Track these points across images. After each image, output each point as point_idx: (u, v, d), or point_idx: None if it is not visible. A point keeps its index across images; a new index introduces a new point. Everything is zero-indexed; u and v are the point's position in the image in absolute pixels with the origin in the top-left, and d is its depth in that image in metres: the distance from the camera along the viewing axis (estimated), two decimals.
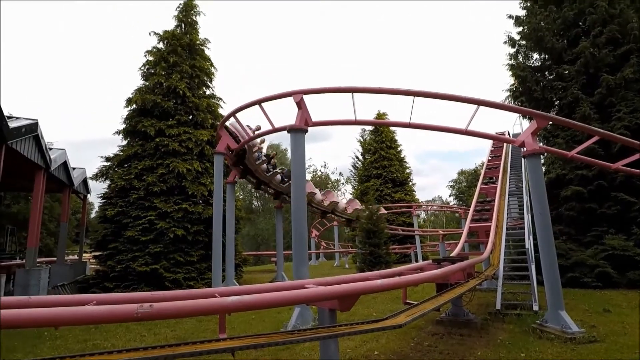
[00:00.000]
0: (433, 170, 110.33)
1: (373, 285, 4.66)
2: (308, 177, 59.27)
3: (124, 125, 16.28)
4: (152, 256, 14.10)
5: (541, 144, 17.04)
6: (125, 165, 15.65)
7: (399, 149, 34.70)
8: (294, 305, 8.28)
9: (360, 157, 37.44)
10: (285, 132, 9.08)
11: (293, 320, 8.11)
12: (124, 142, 16.39)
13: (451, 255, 11.20)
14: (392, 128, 33.98)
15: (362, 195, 30.27)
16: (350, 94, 8.95)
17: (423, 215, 69.95)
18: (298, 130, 8.80)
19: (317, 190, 20.17)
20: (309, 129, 9.18)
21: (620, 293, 11.36)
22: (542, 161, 18.94)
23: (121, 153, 15.81)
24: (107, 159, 16.11)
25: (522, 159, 9.95)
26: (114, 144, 16.95)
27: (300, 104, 8.93)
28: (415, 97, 8.58)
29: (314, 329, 4.36)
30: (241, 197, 53.60)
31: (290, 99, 9.03)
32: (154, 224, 14.41)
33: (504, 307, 9.18)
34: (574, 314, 8.38)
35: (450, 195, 66.48)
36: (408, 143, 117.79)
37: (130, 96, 16.08)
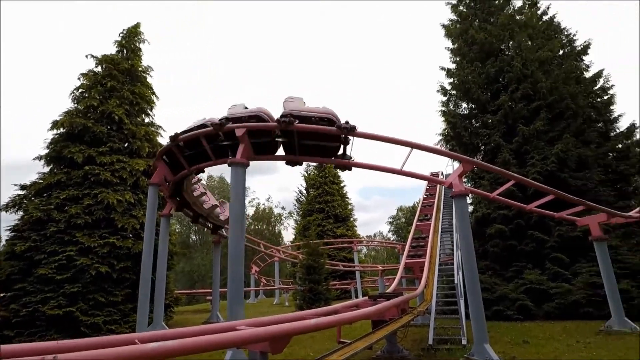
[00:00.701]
0: (376, 206, 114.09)
1: (306, 325, 4.60)
2: (250, 210, 58.11)
3: (46, 150, 14.97)
4: (68, 297, 12.63)
5: (469, 185, 18.56)
6: (45, 195, 14.20)
7: (342, 184, 35.60)
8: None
9: (304, 192, 37.76)
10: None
11: None
12: (46, 169, 15.00)
13: (387, 291, 11.43)
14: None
15: (304, 230, 30.25)
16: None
17: (365, 250, 71.30)
18: (239, 165, 8.71)
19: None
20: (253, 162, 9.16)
21: (537, 324, 12.25)
22: (470, 201, 20.53)
23: (41, 181, 14.38)
24: (23, 187, 14.51)
25: (451, 198, 10.68)
26: (33, 171, 15.29)
27: (243, 139, 8.90)
28: (355, 138, 8.97)
29: None
30: (178, 230, 50.87)
31: None
32: (73, 260, 13.02)
33: (435, 342, 9.44)
34: (498, 346, 8.85)
35: (389, 231, 68.73)
36: (353, 179, 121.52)
37: (58, 119, 14.95)
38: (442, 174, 24.63)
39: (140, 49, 17.20)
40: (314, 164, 36.39)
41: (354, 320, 5.75)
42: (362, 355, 8.99)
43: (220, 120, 9.09)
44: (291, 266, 33.22)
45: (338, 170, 35.62)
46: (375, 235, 77.63)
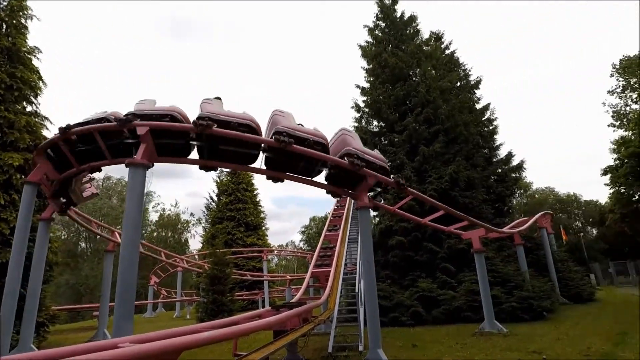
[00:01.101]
0: (291, 216, 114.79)
1: (198, 339, 4.35)
2: (154, 216, 53.95)
3: None
4: None
5: (376, 199, 19.71)
6: None
7: (255, 192, 35.05)
8: None
9: (215, 198, 36.31)
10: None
11: None
12: None
13: (292, 301, 11.48)
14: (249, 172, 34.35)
15: (212, 238, 29.01)
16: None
17: (276, 260, 70.91)
18: (138, 166, 8.01)
19: None
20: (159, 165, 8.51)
21: (426, 329, 13.38)
22: (376, 213, 21.81)
23: None
24: None
25: (357, 210, 11.19)
26: None
27: (145, 138, 8.21)
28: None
29: None
30: (63, 237, 44.89)
31: None
32: None
33: (335, 350, 9.71)
34: (390, 350, 9.43)
35: (301, 241, 69.55)
36: (268, 187, 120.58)
37: None
38: None
39: (26, 27, 14.96)
40: (228, 170, 35.32)
41: (252, 331, 5.62)
42: None
43: (126, 115, 8.29)
44: (196, 276, 31.47)
45: (252, 177, 35.10)
46: (287, 244, 77.87)
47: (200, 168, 9.05)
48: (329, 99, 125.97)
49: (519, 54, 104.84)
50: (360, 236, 9.48)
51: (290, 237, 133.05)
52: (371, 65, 22.17)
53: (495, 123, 24.73)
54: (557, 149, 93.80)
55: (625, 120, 33.51)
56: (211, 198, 37.10)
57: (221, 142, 8.38)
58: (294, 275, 35.80)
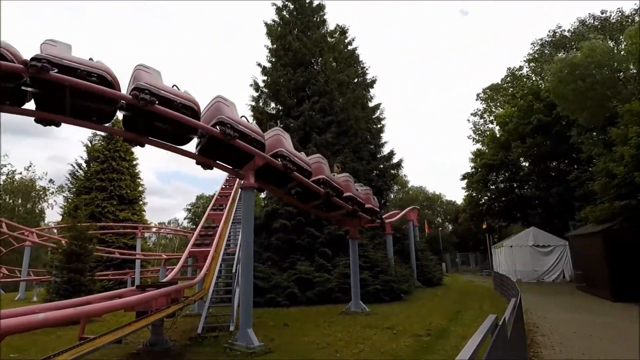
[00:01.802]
0: (177, 192, 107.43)
1: (28, 322, 3.75)
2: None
3: None
4: None
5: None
6: None
7: (134, 162, 31.72)
8: None
9: (84, 165, 31.72)
10: None
11: None
12: None
13: (163, 280, 10.80)
14: None
15: (75, 209, 25.43)
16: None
17: (154, 238, 65.88)
18: None
19: None
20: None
21: (299, 309, 14.02)
22: (264, 196, 21.81)
23: None
24: None
25: (241, 190, 10.98)
26: None
27: None
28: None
29: None
30: None
31: None
32: None
33: (205, 331, 9.46)
34: (262, 330, 9.60)
35: (185, 219, 65.92)
36: (152, 158, 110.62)
37: None
38: None
39: None
40: (102, 133, 31.14)
41: (103, 311, 5.10)
42: (119, 351, 8.16)
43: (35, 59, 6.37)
44: (51, 253, 27.31)
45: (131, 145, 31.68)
46: (169, 222, 73.05)
47: (37, 121, 7.23)
48: (227, 73, 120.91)
49: (413, 65, 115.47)
50: (242, 216, 9.33)
51: (173, 215, 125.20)
52: (275, 46, 21.84)
53: (383, 122, 26.84)
54: (431, 153, 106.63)
55: (482, 136, 39.81)
56: (78, 165, 32.30)
57: (71, 93, 6.82)
58: (172, 254, 33.87)
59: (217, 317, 10.79)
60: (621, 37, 20.67)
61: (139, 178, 32.03)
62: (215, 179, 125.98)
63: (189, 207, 64.43)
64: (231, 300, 11.00)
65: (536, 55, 32.50)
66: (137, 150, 32.39)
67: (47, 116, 7.12)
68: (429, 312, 13.03)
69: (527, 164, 32.13)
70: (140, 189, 31.81)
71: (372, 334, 9.32)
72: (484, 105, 41.31)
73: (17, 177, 45.66)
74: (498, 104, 39.02)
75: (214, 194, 21.02)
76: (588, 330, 9.27)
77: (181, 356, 7.77)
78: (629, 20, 25.50)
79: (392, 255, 19.42)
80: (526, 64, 35.43)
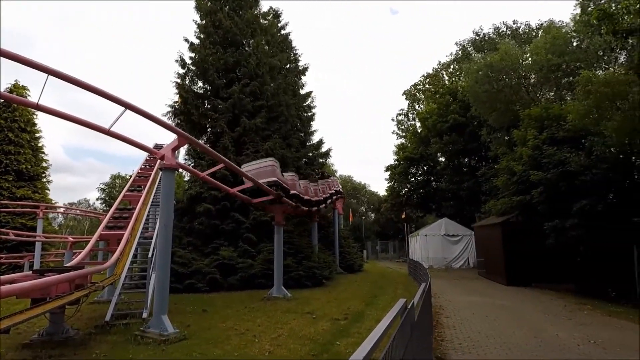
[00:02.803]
0: (90, 170, 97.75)
1: None
2: None
3: None
4: None
5: (189, 164, 18.81)
6: None
7: (37, 134, 28.17)
8: None
9: None
10: None
11: None
12: None
13: (68, 264, 9.85)
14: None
15: None
16: None
17: (60, 219, 59.58)
18: None
19: None
20: None
21: (221, 295, 13.80)
22: (187, 179, 20.85)
23: None
24: None
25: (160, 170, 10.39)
26: None
27: None
28: (50, 76, 7.17)
29: None
30: None
31: None
32: None
33: (114, 318, 8.89)
34: (178, 316, 9.30)
35: (97, 199, 60.47)
36: (59, 131, 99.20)
37: None
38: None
39: None
40: None
41: None
42: (9, 341, 7.36)
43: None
44: None
45: (35, 116, 28.06)
46: (79, 202, 66.45)
47: None
48: (151, 46, 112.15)
49: (345, 58, 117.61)
50: (161, 198, 8.85)
51: (85, 195, 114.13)
52: (204, 22, 20.66)
53: (313, 110, 27.09)
54: (358, 144, 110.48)
55: (405, 132, 42.27)
56: None
57: None
58: (80, 237, 30.97)
59: (129, 304, 10.20)
60: (528, 47, 23.16)
61: (43, 152, 28.59)
62: (132, 157, 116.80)
63: (103, 186, 59.20)
64: (146, 286, 10.43)
65: (459, 55, 35.12)
66: (41, 121, 28.85)
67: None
68: (348, 297, 13.66)
69: (443, 159, 34.93)
70: (43, 164, 28.43)
71: (291, 319, 9.54)
72: (409, 103, 43.88)
73: None
74: (421, 102, 41.67)
75: (132, 174, 19.54)
76: (485, 312, 10.49)
77: (84, 345, 7.22)
78: (534, 33, 28.69)
79: (317, 242, 19.92)
80: (451, 62, 38.24)
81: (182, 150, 19.72)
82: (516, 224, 16.31)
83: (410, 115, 42.96)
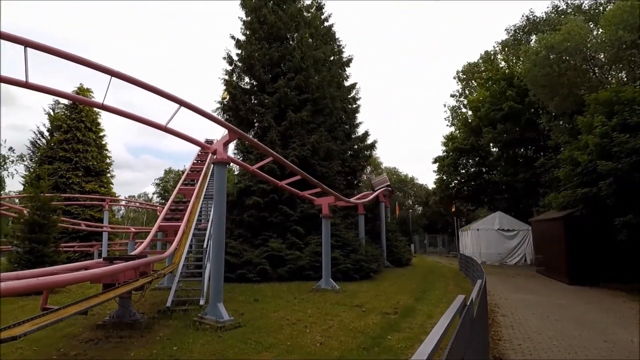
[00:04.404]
0: (146, 166, 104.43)
1: None
2: None
3: None
4: None
5: (239, 158, 19.40)
6: None
7: (101, 133, 30.45)
8: None
9: (47, 134, 30.12)
10: None
11: None
12: None
13: (132, 253, 10.58)
14: (96, 109, 29.51)
15: (37, 179, 24.25)
16: (23, 47, 6.94)
17: (123, 211, 64.16)
18: None
19: None
20: None
21: (270, 285, 14.15)
22: (237, 172, 21.53)
23: None
24: None
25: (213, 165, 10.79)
26: None
27: None
28: (113, 78, 7.67)
29: None
30: None
31: None
32: None
33: (174, 304, 9.44)
34: (232, 304, 9.66)
35: (154, 193, 64.43)
36: (121, 131, 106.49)
37: None
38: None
39: None
40: (65, 100, 29.48)
41: (67, 283, 4.95)
42: (85, 322, 8.04)
43: None
44: (12, 223, 26.12)
45: (99, 116, 30.30)
46: (139, 196, 71.19)
47: None
48: (200, 44, 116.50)
49: (390, 45, 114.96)
50: (215, 191, 9.20)
51: (142, 189, 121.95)
52: (249, 18, 21.02)
53: (358, 102, 26.79)
54: (405, 136, 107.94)
55: (457, 119, 40.49)
56: (40, 133, 30.62)
57: None
58: (141, 228, 33.18)
59: (186, 291, 10.74)
60: (594, 25, 21.04)
61: (107, 150, 30.86)
62: (182, 153, 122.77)
63: (158, 181, 62.92)
64: (202, 275, 10.96)
65: (510, 42, 32.91)
66: (104, 121, 31.09)
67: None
68: (396, 291, 13.46)
69: (496, 150, 33.12)
70: (107, 161, 30.71)
71: (341, 311, 9.56)
72: (461, 87, 41.84)
73: None
74: (474, 86, 39.57)
75: (184, 169, 20.54)
76: (546, 312, 9.86)
77: (148, 328, 7.73)
78: (602, 8, 25.65)
79: (364, 235, 19.80)
80: (500, 49, 35.94)
81: (231, 145, 20.40)
82: (580, 219, 15.07)
83: (461, 102, 41.06)
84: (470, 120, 34.94)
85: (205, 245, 10.91)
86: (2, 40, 6.66)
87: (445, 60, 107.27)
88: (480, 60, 38.87)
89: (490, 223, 25.91)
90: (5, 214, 23.82)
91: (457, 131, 37.82)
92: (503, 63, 35.18)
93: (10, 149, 46.28)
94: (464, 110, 40.18)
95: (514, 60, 33.09)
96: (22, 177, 31.45)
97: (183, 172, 23.76)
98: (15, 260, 12.99)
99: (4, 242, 27.05)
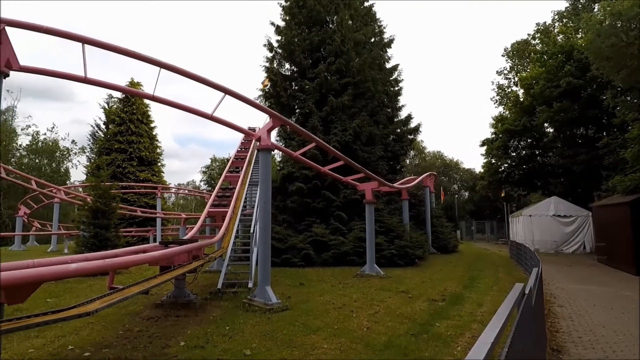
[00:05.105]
0: (193, 156, 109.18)
1: (63, 271, 3.92)
2: (25, 140, 46.35)
3: None
4: None
5: (281, 144, 19.63)
6: None
7: (152, 125, 32.06)
8: None
9: (103, 127, 32.26)
10: None
11: None
12: None
13: (184, 238, 11.12)
14: (146, 101, 31.05)
15: (97, 169, 26.12)
16: (81, 44, 7.37)
17: (173, 198, 67.70)
18: None
19: None
20: (22, 76, 6.96)
21: (314, 270, 14.35)
22: (280, 159, 21.84)
23: None
24: None
25: (258, 151, 11.00)
26: None
27: (0, 37, 6.64)
28: (162, 70, 7.97)
29: None
30: None
31: None
32: None
33: (224, 286, 9.84)
34: (279, 288, 9.91)
35: (200, 181, 67.23)
36: (169, 122, 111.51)
37: None
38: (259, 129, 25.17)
39: None
40: (118, 94, 31.24)
41: (130, 264, 5.30)
42: (146, 301, 8.59)
43: None
44: (78, 210, 28.48)
45: (149, 108, 31.85)
46: (187, 184, 74.72)
47: None
48: (241, 32, 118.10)
49: (432, 21, 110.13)
50: (260, 177, 9.38)
51: (189, 177, 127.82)
52: (288, 3, 20.86)
53: (401, 84, 25.99)
54: (450, 118, 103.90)
55: (505, 99, 38.23)
56: (97, 126, 32.84)
57: None
58: (190, 214, 34.80)
59: (235, 274, 11.17)
60: None
61: (157, 140, 32.48)
62: (225, 141, 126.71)
63: (204, 169, 65.44)
64: (249, 259, 11.32)
65: (569, 11, 30.25)
66: (154, 114, 32.63)
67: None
68: (443, 277, 13.16)
69: (551, 130, 30.94)
70: (158, 151, 32.35)
71: (386, 297, 9.50)
72: (511, 63, 39.31)
73: (41, 137, 46.89)
74: (525, 63, 37.02)
75: (229, 157, 21.12)
76: (609, 303, 9.20)
77: (202, 308, 8.12)
78: None
79: (408, 221, 19.45)
80: (557, 19, 33.18)
81: (273, 133, 20.64)
82: None
83: (511, 77, 38.59)
84: (521, 100, 32.82)
85: (252, 231, 11.21)
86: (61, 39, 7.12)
87: (492, 36, 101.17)
88: (536, 34, 36.14)
89: (545, 209, 24.44)
90: (72, 201, 25.99)
91: (507, 112, 35.73)
92: (560, 36, 32.45)
93: (73, 142, 50.38)
94: (514, 88, 37.81)
95: (573, 32, 30.43)
96: (84, 167, 34.00)
97: (228, 160, 24.54)
98: (82, 243, 14.13)
99: (71, 227, 29.57)
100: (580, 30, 27.75)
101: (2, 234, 29.38)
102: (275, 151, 17.30)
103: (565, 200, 24.94)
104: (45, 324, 3.53)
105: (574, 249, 23.35)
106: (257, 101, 19.43)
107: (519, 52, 37.96)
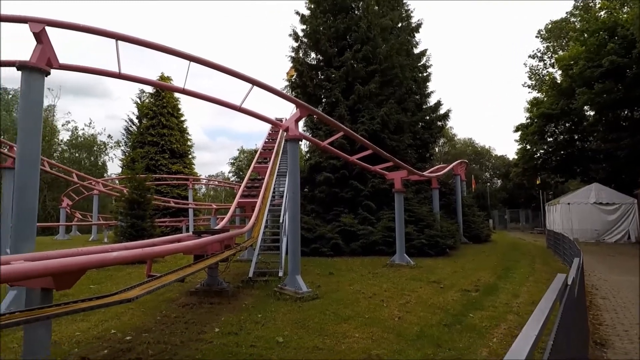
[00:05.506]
0: (221, 148, 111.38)
1: (104, 259, 4.10)
2: (66, 135, 48.73)
3: None
4: None
5: (308, 134, 19.63)
6: None
7: (182, 118, 32.86)
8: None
9: (136, 121, 33.40)
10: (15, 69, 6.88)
11: (4, 306, 6.41)
12: None
13: (215, 228, 11.40)
14: (176, 95, 31.81)
15: (132, 162, 27.15)
16: (115, 41, 7.60)
17: (203, 189, 69.46)
18: (34, 70, 6.82)
19: None
20: (64, 75, 7.28)
21: (344, 260, 14.37)
22: (307, 149, 21.86)
23: None
24: None
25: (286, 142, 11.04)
26: None
27: (41, 37, 6.95)
28: (192, 63, 8.10)
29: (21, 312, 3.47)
30: None
31: None
32: None
33: (256, 275, 10.04)
34: (309, 277, 10.00)
35: (229, 172, 68.56)
36: (198, 115, 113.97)
37: None
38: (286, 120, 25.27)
39: None
40: (150, 89, 32.13)
41: (167, 253, 5.47)
42: (182, 289, 8.91)
43: None
44: (115, 201, 29.81)
45: (179, 102, 32.62)
46: (216, 175, 76.42)
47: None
48: (267, 23, 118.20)
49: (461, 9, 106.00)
50: (288, 167, 9.43)
51: (218, 169, 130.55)
52: None
53: (429, 70, 25.29)
54: (481, 103, 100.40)
55: (540, 83, 36.43)
56: (131, 120, 34.03)
57: None
58: (221, 204, 35.60)
59: (266, 263, 11.35)
60: None
61: (187, 133, 33.30)
62: (252, 133, 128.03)
63: (232, 160, 66.65)
64: (279, 249, 11.48)
65: None
66: (183, 107, 33.39)
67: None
68: (475, 267, 12.85)
69: (592, 113, 29.25)
70: (189, 143, 33.18)
71: (417, 287, 9.39)
72: (545, 45, 37.33)
73: (79, 132, 49.21)
74: (563, 43, 35.05)
75: (256, 148, 21.36)
76: None
77: (234, 296, 8.33)
78: None
79: (438, 210, 19.07)
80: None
81: (300, 123, 20.66)
82: None
83: (546, 60, 36.70)
84: (559, 82, 31.15)
85: (281, 220, 11.34)
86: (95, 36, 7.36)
87: (524, 18, 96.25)
88: (574, 11, 34.04)
89: (585, 196, 23.29)
90: (110, 193, 27.23)
91: (543, 95, 34.06)
92: (602, 12, 30.38)
93: (109, 136, 52.58)
94: (551, 70, 35.95)
95: (617, 7, 28.42)
96: (120, 160, 35.38)
97: (255, 152, 24.83)
98: (120, 233, 14.80)
99: (110, 218, 31.01)
100: (625, 4, 25.87)
101: (47, 224, 31.23)
102: (303, 141, 17.40)
103: (608, 187, 23.64)
104: (90, 309, 3.71)
105: (617, 239, 22.18)
106: (284, 92, 19.51)
107: (555, 31, 35.94)
